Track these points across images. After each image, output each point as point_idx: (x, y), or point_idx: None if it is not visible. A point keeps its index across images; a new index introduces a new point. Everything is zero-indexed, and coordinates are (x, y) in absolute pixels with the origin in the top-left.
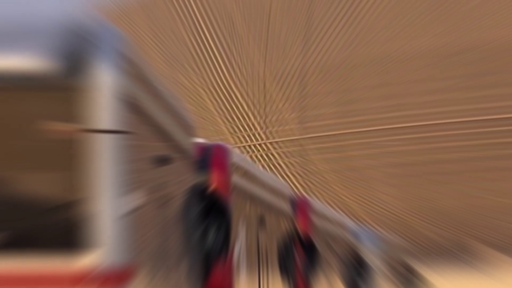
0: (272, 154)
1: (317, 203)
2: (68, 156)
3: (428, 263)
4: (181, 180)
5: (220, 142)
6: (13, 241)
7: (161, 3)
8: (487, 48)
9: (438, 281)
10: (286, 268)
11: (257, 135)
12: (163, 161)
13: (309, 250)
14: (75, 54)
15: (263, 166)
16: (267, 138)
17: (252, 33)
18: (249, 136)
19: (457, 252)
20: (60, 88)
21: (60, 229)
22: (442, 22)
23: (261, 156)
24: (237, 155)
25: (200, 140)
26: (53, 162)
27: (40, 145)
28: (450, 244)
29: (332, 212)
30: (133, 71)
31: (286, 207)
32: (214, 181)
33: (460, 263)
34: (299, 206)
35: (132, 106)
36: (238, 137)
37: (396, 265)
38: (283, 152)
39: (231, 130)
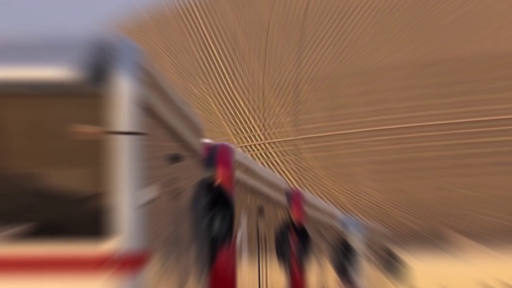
0: (270, 153)
1: (309, 195)
2: (93, 154)
3: (406, 247)
4: (191, 175)
5: (225, 142)
6: (46, 228)
7: (173, 21)
8: (457, 60)
9: (414, 263)
10: (282, 252)
11: (257, 136)
12: (175, 159)
13: (302, 236)
14: (99, 65)
15: (262, 163)
16: (266, 139)
17: (252, 48)
18: (250, 137)
19: (431, 238)
20: (86, 95)
21: (86, 218)
22: (418, 37)
23: (260, 154)
24: (240, 154)
25: (207, 140)
26: (80, 160)
27: (70, 144)
28: (425, 231)
29: (322, 203)
30: (149, 80)
31: (282, 198)
32: (219, 176)
33: (434, 248)
34: (293, 197)
35: (148, 111)
36: (240, 138)
37: (378, 249)
38: (279, 151)
39: (234, 132)
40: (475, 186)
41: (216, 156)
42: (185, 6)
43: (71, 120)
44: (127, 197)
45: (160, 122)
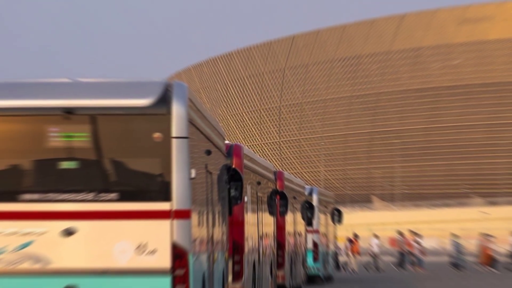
0: (264, 149)
1: (287, 174)
2: (161, 150)
3: (345, 205)
4: (217, 162)
5: (237, 143)
6: (133, 194)
7: (206, 69)
8: (375, 95)
9: (348, 213)
10: (271, 208)
11: (256, 139)
12: (208, 152)
13: (283, 198)
14: (164, 97)
15: (259, 155)
16: (262, 141)
17: (253, 87)
18: (252, 140)
19: (360, 200)
20: (157, 114)
21: (157, 188)
22: (351, 80)
23: (258, 150)
24: (246, 150)
25: (226, 142)
26: (153, 152)
27: (147, 143)
28: (356, 196)
29: (295, 179)
30: (193, 106)
31: (271, 176)
32: (234, 163)
33: (362, 206)
34: (278, 175)
35: (192, 124)
36: (246, 140)
37: (328, 206)
38: (269, 148)
39: (243, 137)
40: (385, 168)
41: (232, 151)
42: (211, 61)
43: (148, 129)
44: (180, 175)
45: (199, 130)
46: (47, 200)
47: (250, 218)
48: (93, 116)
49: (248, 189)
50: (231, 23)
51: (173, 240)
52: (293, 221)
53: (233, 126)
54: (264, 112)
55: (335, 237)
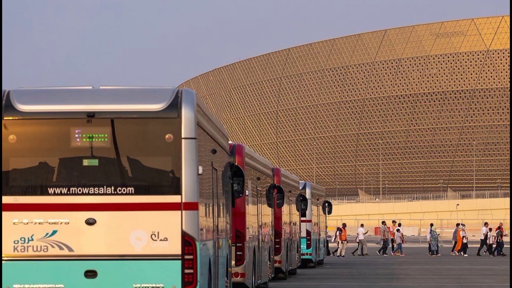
0: (263, 149)
1: (283, 171)
2: (172, 149)
3: (334, 198)
4: (222, 160)
5: (239, 143)
6: (147, 188)
7: (211, 77)
8: (362, 101)
9: (337, 205)
10: (269, 200)
11: (256, 140)
12: (213, 151)
13: (279, 192)
14: (174, 102)
15: (258, 154)
16: (261, 141)
17: (253, 94)
18: (252, 140)
19: (348, 193)
20: (169, 117)
21: (168, 183)
22: (339, 88)
23: (258, 149)
24: (247, 149)
25: (230, 142)
26: (165, 151)
27: (160, 143)
28: (344, 189)
29: (290, 175)
30: (200, 110)
31: (269, 172)
32: (236, 161)
33: (349, 198)
34: (275, 172)
35: (199, 126)
36: (248, 141)
37: (320, 198)
38: (268, 148)
39: (245, 137)
40: (370, 165)
41: (235, 150)
42: (217, 70)
43: (160, 131)
44: (189, 171)
45: (206, 132)
46: (71, 193)
47: (250, 210)
48: (112, 119)
49: (249, 184)
50: (234, 38)
51: (182, 229)
52: (289, 212)
53: (235, 128)
54: (263, 116)
55: (326, 226)
